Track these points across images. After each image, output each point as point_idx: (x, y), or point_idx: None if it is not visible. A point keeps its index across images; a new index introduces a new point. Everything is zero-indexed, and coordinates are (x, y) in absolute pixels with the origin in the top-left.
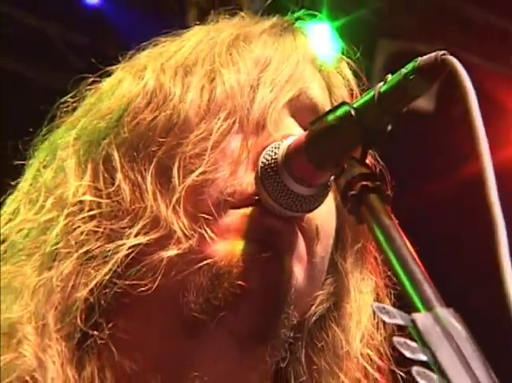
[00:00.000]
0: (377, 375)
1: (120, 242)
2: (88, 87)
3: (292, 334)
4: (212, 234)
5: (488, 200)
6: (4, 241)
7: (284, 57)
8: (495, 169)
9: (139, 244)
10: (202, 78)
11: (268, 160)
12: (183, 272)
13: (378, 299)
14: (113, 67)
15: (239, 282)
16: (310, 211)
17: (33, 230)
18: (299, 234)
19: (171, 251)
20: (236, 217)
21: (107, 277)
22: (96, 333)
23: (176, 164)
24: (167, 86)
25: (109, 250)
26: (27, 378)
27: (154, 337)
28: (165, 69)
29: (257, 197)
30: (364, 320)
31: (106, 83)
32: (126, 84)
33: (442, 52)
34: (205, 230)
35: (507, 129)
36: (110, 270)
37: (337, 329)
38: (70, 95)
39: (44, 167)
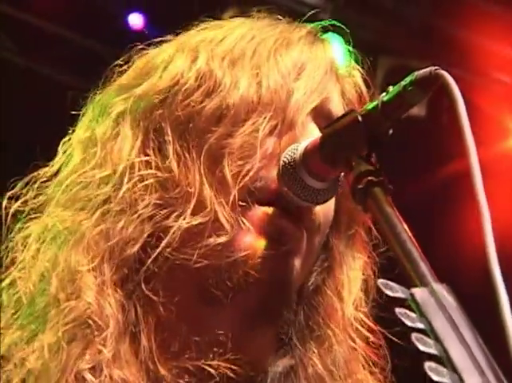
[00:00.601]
0: (369, 334)
1: (170, 223)
2: (139, 53)
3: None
4: (248, 224)
5: (475, 192)
6: (59, 185)
7: (316, 65)
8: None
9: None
10: (249, 74)
11: (288, 159)
12: (216, 255)
13: (365, 276)
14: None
15: (252, 272)
16: (323, 202)
17: (87, 182)
18: (305, 235)
19: (220, 239)
20: (258, 213)
21: (153, 241)
22: (143, 285)
23: (226, 156)
24: (217, 73)
25: (158, 221)
26: (89, 321)
27: (181, 299)
28: (213, 55)
29: (277, 195)
30: (355, 291)
31: (156, 54)
32: (179, 62)
33: (435, 67)
34: (241, 220)
35: (486, 130)
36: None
37: (332, 295)
38: (121, 59)
39: (97, 121)
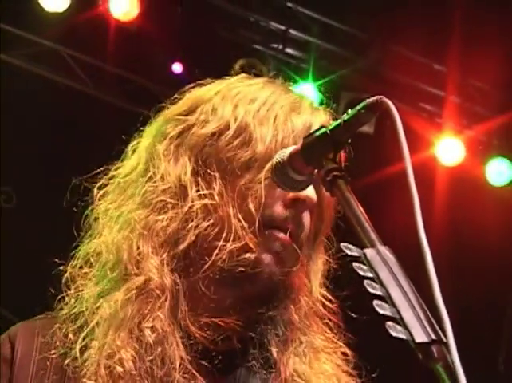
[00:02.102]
0: (331, 305)
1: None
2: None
3: None
4: (255, 242)
5: (409, 186)
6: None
7: (307, 124)
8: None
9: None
10: (271, 133)
11: (279, 160)
12: (232, 259)
13: (324, 268)
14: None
15: (258, 272)
16: (301, 190)
17: (153, 190)
18: (298, 250)
19: (236, 244)
20: (264, 236)
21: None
22: (187, 269)
23: (250, 196)
24: (251, 129)
25: (200, 231)
26: (151, 290)
27: (208, 281)
28: (247, 112)
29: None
30: (318, 277)
31: (202, 93)
32: (224, 111)
33: (381, 97)
34: (253, 235)
35: (415, 143)
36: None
37: (304, 277)
38: (169, 99)
39: (156, 138)
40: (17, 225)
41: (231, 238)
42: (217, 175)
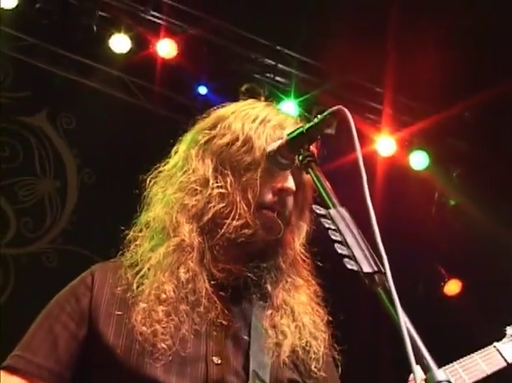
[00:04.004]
0: (307, 259)
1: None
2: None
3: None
4: (252, 220)
5: (360, 173)
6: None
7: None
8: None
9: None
10: (264, 144)
11: (271, 148)
12: (232, 231)
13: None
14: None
15: (251, 240)
16: (285, 169)
17: (188, 180)
18: (281, 225)
19: (239, 222)
20: (259, 214)
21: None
22: (211, 232)
23: (249, 188)
24: (253, 140)
25: (217, 209)
26: (184, 247)
27: (222, 242)
28: (250, 129)
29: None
30: (300, 238)
31: (223, 113)
32: (235, 127)
33: (340, 106)
34: (251, 214)
35: (361, 139)
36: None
37: (290, 236)
38: (200, 115)
39: (190, 145)
40: (96, 196)
41: (236, 217)
42: (229, 172)
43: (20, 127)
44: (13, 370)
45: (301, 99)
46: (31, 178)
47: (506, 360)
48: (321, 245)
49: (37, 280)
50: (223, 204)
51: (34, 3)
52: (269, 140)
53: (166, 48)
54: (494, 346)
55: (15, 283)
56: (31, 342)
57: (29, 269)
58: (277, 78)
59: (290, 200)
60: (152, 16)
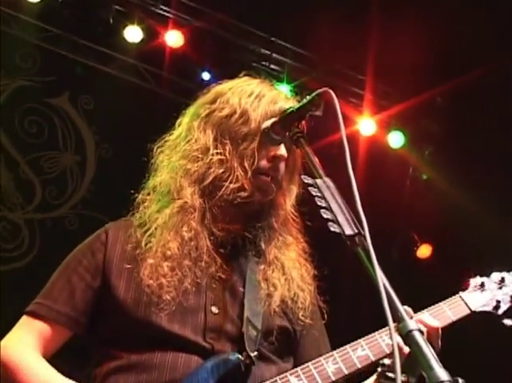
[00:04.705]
0: (297, 219)
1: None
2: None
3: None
4: (248, 184)
5: (344, 151)
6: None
7: (282, 109)
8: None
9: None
10: (260, 117)
11: (266, 125)
12: (230, 192)
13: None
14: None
15: (246, 201)
16: (279, 144)
17: (191, 148)
18: (274, 188)
19: (236, 185)
20: (255, 178)
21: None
22: (211, 194)
23: (244, 156)
24: (249, 113)
25: (216, 173)
26: (187, 208)
27: (222, 203)
28: (246, 102)
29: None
30: (290, 199)
31: (221, 89)
32: (233, 101)
33: (327, 88)
34: (247, 179)
35: (345, 120)
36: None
37: (282, 199)
38: (201, 92)
39: (193, 118)
40: (112, 168)
41: (233, 181)
42: (228, 142)
43: (45, 107)
44: (35, 315)
45: (293, 84)
46: (55, 152)
47: (469, 307)
48: (310, 205)
49: (60, 241)
50: (222, 169)
51: None
52: (263, 113)
53: (174, 38)
54: (460, 296)
55: (40, 244)
56: (51, 291)
57: (53, 231)
58: (272, 66)
59: (282, 166)
60: (162, 10)
